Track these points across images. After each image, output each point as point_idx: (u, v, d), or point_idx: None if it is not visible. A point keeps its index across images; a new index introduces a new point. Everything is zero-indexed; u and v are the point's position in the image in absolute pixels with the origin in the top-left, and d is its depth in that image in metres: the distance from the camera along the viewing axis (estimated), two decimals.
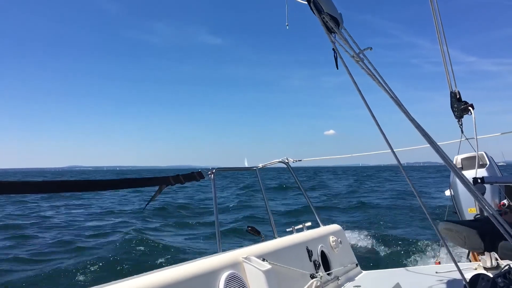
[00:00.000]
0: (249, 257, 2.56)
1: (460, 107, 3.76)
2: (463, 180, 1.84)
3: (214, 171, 3.14)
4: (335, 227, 4.28)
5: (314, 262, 3.35)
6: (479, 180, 3.08)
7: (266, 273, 2.44)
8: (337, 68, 2.03)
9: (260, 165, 4.14)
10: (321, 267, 3.42)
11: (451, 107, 3.93)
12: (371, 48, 1.87)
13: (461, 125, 4.08)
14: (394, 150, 2.13)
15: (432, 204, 16.68)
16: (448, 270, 3.68)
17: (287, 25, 2.16)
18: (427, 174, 48.93)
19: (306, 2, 1.78)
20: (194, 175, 2.67)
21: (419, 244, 10.01)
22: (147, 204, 2.61)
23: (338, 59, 1.92)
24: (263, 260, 2.60)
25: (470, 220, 3.72)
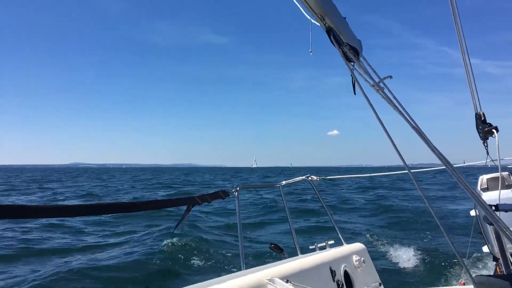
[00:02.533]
0: (273, 279, 2.61)
1: (484, 129, 3.74)
2: (483, 206, 1.88)
3: (238, 188, 3.23)
4: (358, 246, 4.28)
5: (337, 282, 3.37)
6: (493, 207, 3.07)
7: None
8: (355, 94, 2.08)
9: (283, 182, 4.20)
10: (345, 287, 3.43)
11: (476, 129, 3.92)
12: (391, 77, 1.93)
13: (486, 146, 4.06)
14: (412, 171, 2.18)
15: (458, 217, 16.30)
16: None
17: (311, 51, 2.21)
18: (444, 178, 47.46)
19: (326, 34, 1.85)
20: (219, 193, 2.75)
21: (443, 262, 9.81)
22: (177, 226, 2.70)
23: (357, 86, 1.97)
24: (287, 281, 2.64)
25: (505, 275, 3.69)
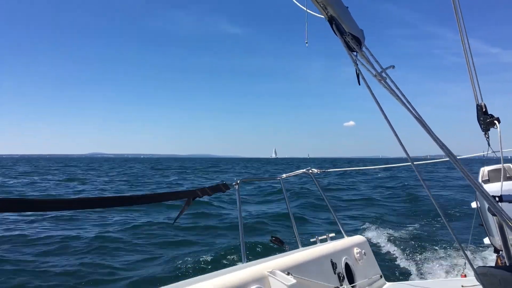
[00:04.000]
0: (274, 271, 2.61)
1: (486, 121, 3.72)
2: (486, 197, 1.86)
3: (239, 182, 3.23)
4: (359, 238, 4.28)
5: (338, 274, 3.37)
6: (496, 198, 3.05)
7: (291, 287, 2.49)
8: (359, 84, 2.07)
9: (284, 175, 4.19)
10: (346, 279, 3.43)
11: (478, 120, 3.90)
12: (393, 67, 1.90)
13: (488, 137, 4.03)
14: (415, 162, 2.16)
15: (458, 208, 16.34)
16: (473, 284, 3.64)
17: (307, 42, 2.18)
18: (448, 171, 47.51)
19: (329, 23, 1.82)
20: (220, 186, 2.75)
21: (445, 254, 9.83)
22: (176, 218, 2.70)
23: (360, 76, 1.95)
24: (288, 274, 2.64)
25: (507, 266, 3.68)
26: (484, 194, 1.98)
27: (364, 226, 13.77)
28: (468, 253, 8.20)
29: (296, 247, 3.75)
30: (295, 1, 1.86)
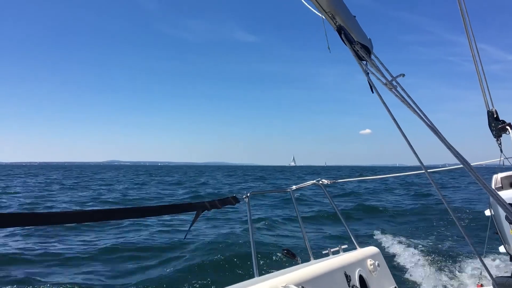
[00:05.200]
0: (288, 286, 2.57)
1: (497, 127, 3.69)
2: (503, 205, 1.82)
3: (248, 194, 3.20)
4: (372, 249, 4.21)
5: (352, 287, 3.31)
6: None
7: None
8: (373, 93, 2.05)
9: (294, 187, 4.16)
10: None
11: (489, 126, 3.86)
12: (403, 75, 1.89)
13: (500, 144, 3.99)
14: (428, 170, 2.13)
15: (472, 217, 16.15)
16: None
17: (329, 47, 2.18)
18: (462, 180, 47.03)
19: (337, 33, 1.82)
20: (229, 199, 2.73)
21: (460, 264, 9.67)
22: (187, 232, 2.68)
23: (372, 84, 1.94)
24: None
25: None
26: (501, 202, 1.94)
27: (376, 236, 13.63)
28: (484, 261, 8.06)
29: (308, 260, 3.70)
30: (313, 10, 1.85)
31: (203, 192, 33.96)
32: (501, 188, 6.12)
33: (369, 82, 1.90)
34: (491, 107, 3.85)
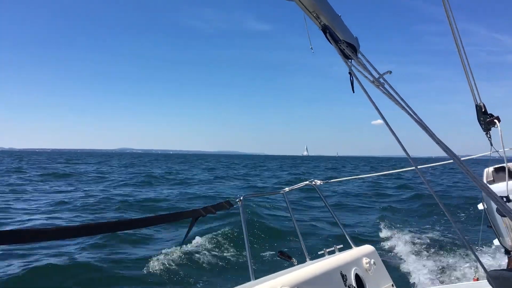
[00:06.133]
0: None
1: (486, 120, 3.72)
2: (494, 198, 1.82)
3: (242, 198, 3.20)
4: (367, 248, 4.22)
5: (349, 286, 3.31)
6: (504, 199, 3.02)
7: None
8: (353, 92, 2.06)
9: (287, 189, 4.16)
10: None
11: (478, 120, 3.89)
12: (390, 72, 1.90)
13: (490, 137, 4.03)
14: (419, 166, 2.14)
15: (465, 211, 16.28)
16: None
17: (312, 48, 2.18)
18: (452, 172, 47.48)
19: (322, 32, 1.82)
20: (223, 204, 2.73)
21: (455, 258, 9.73)
22: (184, 240, 2.67)
23: (355, 83, 1.94)
24: None
25: None
26: (492, 196, 1.95)
27: (371, 234, 13.67)
28: (479, 255, 8.12)
29: (304, 261, 3.70)
30: (306, 12, 1.84)
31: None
32: (493, 182, 6.17)
33: (351, 81, 1.91)
34: (479, 101, 3.88)
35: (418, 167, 2.05)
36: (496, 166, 6.18)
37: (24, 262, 9.66)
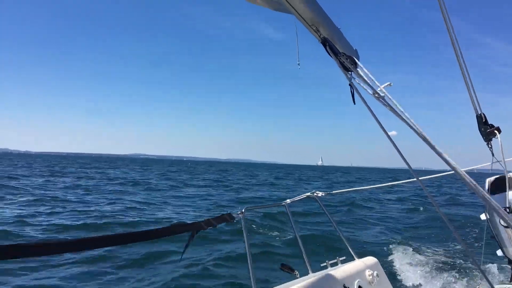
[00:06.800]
0: None
1: (486, 131, 3.73)
2: (496, 209, 1.82)
3: (243, 211, 3.19)
4: (370, 259, 4.20)
5: None
6: (507, 210, 3.01)
7: None
8: (354, 103, 2.07)
9: (289, 201, 4.15)
10: None
11: (479, 131, 3.90)
12: (390, 84, 1.90)
13: (491, 147, 4.03)
14: (420, 178, 2.13)
15: (468, 222, 16.19)
16: None
17: (299, 63, 2.19)
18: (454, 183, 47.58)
19: (322, 45, 1.83)
20: (224, 217, 2.71)
21: (459, 271, 9.65)
22: (183, 253, 2.64)
23: (356, 96, 1.95)
24: None
25: None
26: (493, 206, 1.94)
27: (374, 246, 13.58)
28: (483, 267, 8.06)
29: (307, 273, 3.68)
30: (305, 25, 1.85)
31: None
32: (494, 192, 6.14)
33: (351, 93, 1.92)
34: (479, 112, 3.88)
35: (420, 178, 2.05)
36: (498, 176, 6.16)
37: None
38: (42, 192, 26.05)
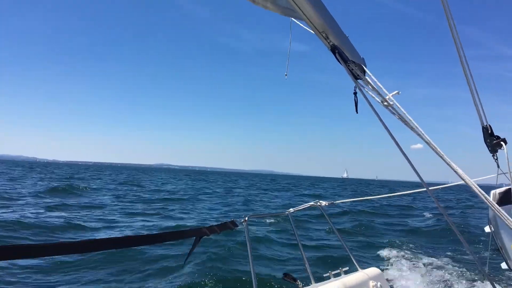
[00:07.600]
0: None
1: (492, 142, 3.70)
2: (506, 220, 1.79)
3: (246, 218, 3.17)
4: (374, 270, 4.15)
5: None
6: None
7: None
8: (357, 113, 2.06)
9: (292, 210, 4.12)
10: None
11: (485, 142, 3.87)
12: (398, 92, 1.89)
13: (496, 159, 4.00)
14: (430, 188, 2.11)
15: (472, 234, 16.09)
16: None
17: (286, 75, 2.20)
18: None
19: (331, 52, 1.83)
20: (228, 224, 2.70)
21: (463, 281, 9.56)
22: (187, 258, 2.63)
23: (365, 103, 1.94)
24: None
25: None
26: (504, 218, 1.92)
27: (377, 257, 13.48)
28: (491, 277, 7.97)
29: (309, 283, 3.64)
30: (307, 29, 1.86)
31: None
32: (500, 204, 6.09)
33: (355, 102, 1.92)
34: (485, 123, 3.86)
35: (430, 188, 2.03)
36: (504, 188, 6.12)
37: None
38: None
